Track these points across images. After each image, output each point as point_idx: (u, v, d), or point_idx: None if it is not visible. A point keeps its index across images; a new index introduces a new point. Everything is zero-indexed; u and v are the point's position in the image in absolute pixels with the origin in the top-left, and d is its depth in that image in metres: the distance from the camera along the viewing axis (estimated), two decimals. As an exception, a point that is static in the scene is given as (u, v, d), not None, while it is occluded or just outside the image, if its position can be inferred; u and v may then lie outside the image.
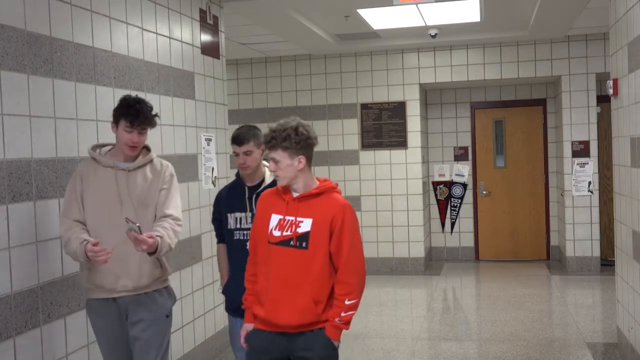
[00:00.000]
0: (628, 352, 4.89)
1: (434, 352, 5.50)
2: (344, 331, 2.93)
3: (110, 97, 4.11)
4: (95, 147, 3.35)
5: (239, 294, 3.17)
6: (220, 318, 5.49)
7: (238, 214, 3.60)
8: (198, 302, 5.17)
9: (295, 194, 2.88)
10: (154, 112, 3.27)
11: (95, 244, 3.01)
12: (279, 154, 2.81)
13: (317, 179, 2.94)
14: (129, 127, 3.18)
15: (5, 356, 3.15)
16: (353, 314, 2.85)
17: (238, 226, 3.59)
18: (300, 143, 2.80)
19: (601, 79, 8.51)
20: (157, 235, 3.10)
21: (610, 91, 5.08)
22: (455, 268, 9.15)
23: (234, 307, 3.49)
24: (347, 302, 2.82)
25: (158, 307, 3.31)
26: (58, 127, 3.59)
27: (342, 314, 2.82)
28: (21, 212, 3.29)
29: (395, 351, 5.55)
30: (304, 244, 2.81)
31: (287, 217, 2.85)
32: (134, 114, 3.18)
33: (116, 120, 3.23)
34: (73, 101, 3.75)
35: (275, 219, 2.88)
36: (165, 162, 3.44)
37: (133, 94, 4.35)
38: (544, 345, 5.52)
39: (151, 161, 3.35)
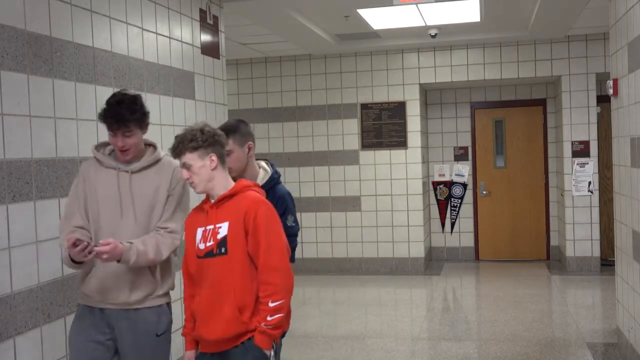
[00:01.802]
0: (628, 352, 4.89)
1: (434, 352, 5.50)
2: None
3: (110, 97, 4.11)
4: (99, 147, 3.12)
5: None
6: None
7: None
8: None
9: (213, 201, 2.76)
10: (146, 110, 2.99)
11: (72, 243, 2.69)
12: (188, 157, 2.68)
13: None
14: (111, 131, 2.92)
15: (5, 356, 3.15)
16: (281, 317, 2.64)
17: None
18: (207, 140, 2.68)
19: (601, 79, 8.51)
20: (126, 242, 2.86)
21: (610, 91, 5.08)
22: (455, 268, 9.15)
23: None
24: (271, 304, 2.61)
25: (147, 326, 3.01)
26: (58, 127, 3.60)
27: (269, 318, 2.61)
28: (21, 212, 3.29)
29: (395, 351, 5.55)
30: (223, 250, 2.67)
31: (208, 227, 2.72)
32: (110, 116, 2.89)
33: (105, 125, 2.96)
34: (73, 101, 3.75)
35: (199, 232, 2.75)
36: (175, 162, 3.06)
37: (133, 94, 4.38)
38: (544, 345, 5.52)
39: (158, 160, 3.09)
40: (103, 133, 3.95)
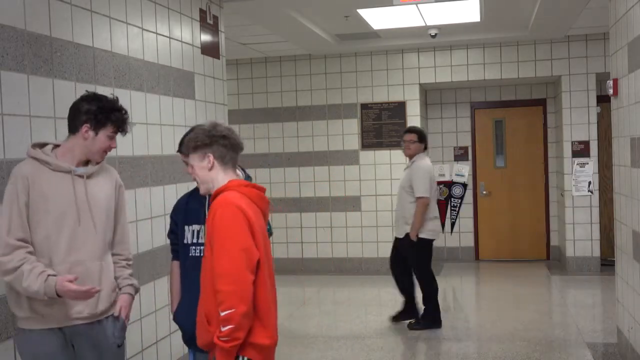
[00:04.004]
0: (628, 352, 4.89)
1: (434, 352, 5.50)
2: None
3: (110, 97, 4.11)
4: (35, 146, 2.86)
5: (192, 321, 2.75)
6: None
7: (195, 227, 3.12)
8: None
9: None
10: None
11: (72, 281, 2.63)
12: (190, 158, 2.65)
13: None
14: (114, 133, 2.88)
15: (5, 356, 3.14)
16: (231, 329, 2.35)
17: (195, 240, 3.12)
18: (204, 140, 2.60)
19: (601, 79, 8.51)
20: (129, 293, 3.00)
21: (610, 91, 5.08)
22: (455, 268, 9.15)
23: (186, 337, 3.09)
24: (221, 314, 2.36)
25: (109, 337, 2.91)
26: (58, 127, 3.59)
27: (222, 329, 2.36)
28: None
29: (395, 351, 5.54)
30: (202, 252, 2.59)
31: (202, 231, 2.67)
32: (122, 119, 2.89)
33: (99, 125, 2.83)
34: (73, 101, 3.74)
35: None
36: (111, 168, 3.09)
37: (133, 94, 4.38)
38: (544, 345, 5.52)
39: (102, 165, 3.00)
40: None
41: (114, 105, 2.89)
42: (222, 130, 2.62)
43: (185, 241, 3.15)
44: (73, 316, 2.79)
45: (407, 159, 6.34)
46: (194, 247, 3.11)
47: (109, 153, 2.96)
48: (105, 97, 2.92)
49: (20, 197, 2.71)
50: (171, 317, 3.29)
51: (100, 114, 2.83)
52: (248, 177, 3.28)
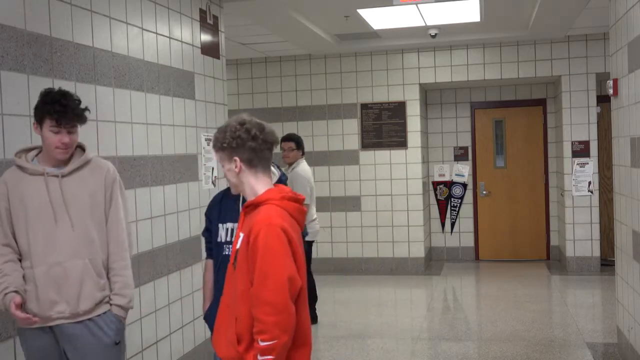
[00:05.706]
0: (628, 352, 4.89)
1: (434, 352, 5.50)
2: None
3: (110, 97, 4.11)
4: (20, 153, 2.88)
5: None
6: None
7: (229, 225, 3.07)
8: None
9: None
10: (83, 106, 2.85)
11: (18, 305, 2.69)
12: (219, 157, 2.49)
13: (276, 185, 2.53)
14: (56, 127, 2.75)
15: (5, 356, 3.15)
16: (273, 359, 2.26)
17: (228, 239, 3.07)
18: (230, 143, 2.42)
19: (601, 79, 8.51)
20: (118, 304, 2.94)
21: (610, 91, 5.08)
22: (455, 268, 9.15)
23: None
24: (261, 343, 2.25)
25: (103, 334, 2.88)
26: (58, 127, 3.59)
27: (259, 358, 2.27)
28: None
29: (395, 351, 5.55)
30: (235, 263, 2.41)
31: (239, 231, 2.48)
32: (60, 110, 2.73)
33: (39, 120, 2.77)
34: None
35: (235, 230, 2.59)
36: (106, 163, 3.00)
37: (133, 94, 4.38)
38: (544, 345, 5.52)
39: (88, 162, 2.91)
40: (104, 134, 3.96)
41: (52, 97, 2.77)
42: (250, 129, 2.43)
43: (219, 239, 3.09)
44: (55, 316, 2.81)
45: (287, 165, 6.32)
46: (227, 246, 3.04)
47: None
48: (52, 90, 2.83)
49: (1, 204, 2.78)
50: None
51: (38, 108, 2.79)
52: (283, 177, 3.25)
